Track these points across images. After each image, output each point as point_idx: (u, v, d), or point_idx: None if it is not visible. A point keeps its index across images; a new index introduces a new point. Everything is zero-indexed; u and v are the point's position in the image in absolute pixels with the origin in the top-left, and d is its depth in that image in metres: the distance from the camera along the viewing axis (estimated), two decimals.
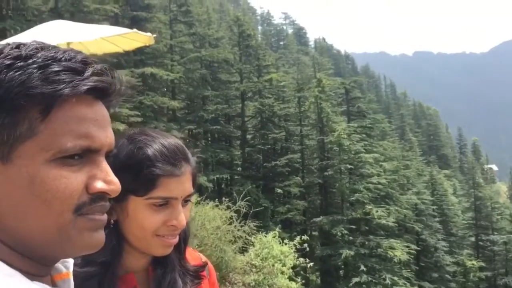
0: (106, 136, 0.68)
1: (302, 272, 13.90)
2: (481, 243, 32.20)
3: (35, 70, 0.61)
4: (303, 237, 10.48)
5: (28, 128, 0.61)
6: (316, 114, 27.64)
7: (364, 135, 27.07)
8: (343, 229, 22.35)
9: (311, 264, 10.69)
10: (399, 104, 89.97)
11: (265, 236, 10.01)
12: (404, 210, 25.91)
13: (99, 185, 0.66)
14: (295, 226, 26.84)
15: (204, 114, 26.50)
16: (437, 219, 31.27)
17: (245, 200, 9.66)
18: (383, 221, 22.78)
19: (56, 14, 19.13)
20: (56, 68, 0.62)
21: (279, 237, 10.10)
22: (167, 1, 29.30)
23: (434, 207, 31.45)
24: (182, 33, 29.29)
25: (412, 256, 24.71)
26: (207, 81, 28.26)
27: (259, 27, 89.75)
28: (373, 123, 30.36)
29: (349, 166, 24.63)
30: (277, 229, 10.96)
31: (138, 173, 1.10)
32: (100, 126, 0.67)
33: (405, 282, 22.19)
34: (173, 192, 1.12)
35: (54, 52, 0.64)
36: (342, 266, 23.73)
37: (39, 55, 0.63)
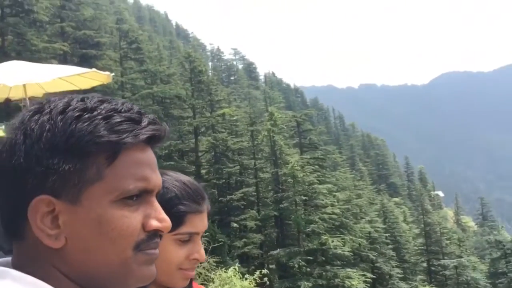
0: (157, 178, 0.75)
1: None
2: (433, 268, 33.07)
3: (101, 121, 0.68)
4: (262, 271, 10.49)
5: (95, 173, 0.68)
6: (269, 147, 28.00)
7: (316, 166, 27.58)
8: (300, 260, 22.43)
9: None
10: (348, 135, 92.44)
11: (225, 272, 9.95)
12: (359, 239, 26.35)
13: (154, 223, 0.73)
14: (252, 260, 26.63)
15: (157, 151, 26.12)
16: (390, 246, 31.93)
17: (202, 236, 9.61)
18: (339, 251, 23.05)
19: (2, 53, 18.69)
20: (118, 119, 0.69)
21: (238, 272, 10.07)
22: (117, 39, 29.27)
23: (387, 234, 32.15)
24: (133, 70, 29.24)
25: (368, 285, 24.99)
26: (160, 117, 28.07)
27: (210, 63, 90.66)
28: (324, 154, 31.02)
29: (304, 198, 24.94)
30: (236, 264, 10.90)
31: (166, 212, 1.20)
32: (152, 170, 0.75)
33: None
34: (197, 228, 1.24)
35: (115, 104, 0.72)
36: None
37: (102, 107, 0.71)
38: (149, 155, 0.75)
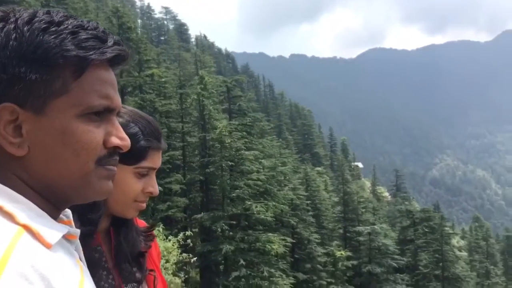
0: (119, 99, 0.78)
1: (185, 268, 13.88)
2: (348, 234, 34.85)
3: (68, 36, 0.70)
4: (186, 232, 10.51)
5: (61, 86, 0.69)
6: (198, 111, 27.70)
7: (244, 133, 27.72)
8: (223, 225, 22.70)
9: (195, 259, 10.74)
10: (276, 104, 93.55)
11: None
12: (281, 205, 27.04)
13: (116, 141, 0.76)
14: (175, 224, 26.63)
15: None
16: (310, 213, 33.15)
17: None
18: (262, 216, 23.56)
19: None
20: (84, 36, 0.71)
21: (162, 233, 10.02)
22: None
23: (308, 201, 33.29)
24: None
25: (287, 249, 25.91)
26: None
27: (139, 21, 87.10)
28: (253, 121, 31.20)
29: (230, 163, 25.08)
30: (160, 226, 10.82)
31: (132, 145, 1.20)
32: (115, 90, 0.77)
33: (281, 274, 23.20)
34: (156, 163, 1.30)
35: (81, 21, 0.74)
36: (222, 261, 24.10)
37: (68, 22, 0.73)
38: (112, 75, 0.77)
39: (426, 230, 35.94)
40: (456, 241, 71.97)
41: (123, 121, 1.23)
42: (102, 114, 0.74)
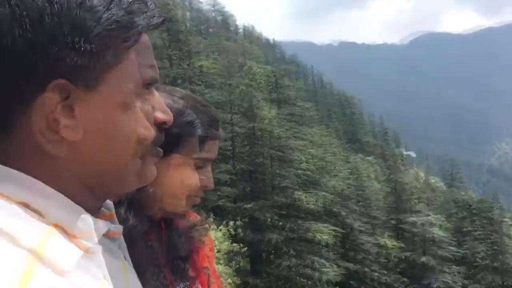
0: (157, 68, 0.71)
1: (235, 257, 14.04)
2: (401, 225, 34.09)
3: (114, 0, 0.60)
4: (236, 222, 10.59)
5: (113, 57, 0.60)
6: (247, 102, 27.80)
7: (293, 123, 27.62)
8: (273, 214, 22.79)
9: (246, 248, 10.83)
10: (325, 93, 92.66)
11: None
12: (331, 195, 26.83)
13: (161, 115, 0.69)
14: (226, 213, 26.98)
15: None
16: (361, 203, 32.68)
17: None
18: (311, 206, 23.46)
19: None
20: (131, 1, 0.62)
21: (213, 223, 10.15)
22: None
23: (358, 192, 32.83)
24: None
25: (338, 239, 25.69)
26: None
27: (188, 13, 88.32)
28: (301, 111, 31.03)
29: (279, 153, 25.07)
30: (211, 216, 10.95)
31: (186, 134, 1.14)
32: (154, 58, 0.70)
33: (332, 264, 23.06)
34: (214, 153, 1.22)
35: None
36: (272, 251, 24.21)
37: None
38: (150, 42, 0.69)
39: (484, 221, 34.56)
40: None
41: (179, 107, 1.14)
42: (149, 86, 0.68)
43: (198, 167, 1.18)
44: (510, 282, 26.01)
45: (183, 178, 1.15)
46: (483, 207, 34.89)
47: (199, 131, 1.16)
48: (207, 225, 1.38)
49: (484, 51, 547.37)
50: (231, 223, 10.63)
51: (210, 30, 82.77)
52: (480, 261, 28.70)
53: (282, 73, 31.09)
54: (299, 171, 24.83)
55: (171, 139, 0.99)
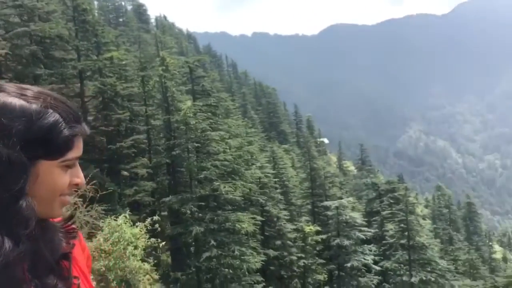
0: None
1: (154, 253, 13.79)
2: (316, 209, 35.39)
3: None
4: (154, 217, 10.37)
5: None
6: (161, 94, 27.26)
7: (209, 113, 27.50)
8: (192, 206, 22.65)
9: (163, 243, 10.65)
10: (240, 83, 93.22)
11: (115, 220, 9.68)
12: (249, 184, 27.15)
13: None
14: (143, 208, 26.41)
15: None
16: (278, 190, 33.43)
17: (90, 184, 9.19)
18: (231, 196, 23.61)
19: None
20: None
21: (129, 220, 9.85)
22: None
23: (276, 179, 33.54)
24: (6, 5, 26.18)
25: (257, 227, 26.12)
26: (39, 59, 25.73)
27: (95, 2, 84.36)
28: (217, 102, 30.97)
29: (196, 145, 24.88)
30: (127, 212, 10.63)
31: (52, 137, 1.04)
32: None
33: (252, 252, 23.42)
34: (80, 150, 1.14)
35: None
36: (193, 243, 24.12)
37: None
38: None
39: (391, 201, 36.88)
40: (420, 210, 74.34)
41: (38, 108, 1.04)
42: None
43: (67, 167, 1.12)
44: (416, 256, 27.99)
45: (54, 182, 1.09)
46: (390, 188, 37.19)
47: (65, 132, 1.08)
48: (73, 227, 1.28)
49: (388, 40, 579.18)
50: (149, 218, 10.37)
51: (120, 20, 79.78)
52: (389, 239, 30.59)
53: (196, 63, 30.71)
54: (217, 162, 24.81)
55: (36, 145, 0.95)
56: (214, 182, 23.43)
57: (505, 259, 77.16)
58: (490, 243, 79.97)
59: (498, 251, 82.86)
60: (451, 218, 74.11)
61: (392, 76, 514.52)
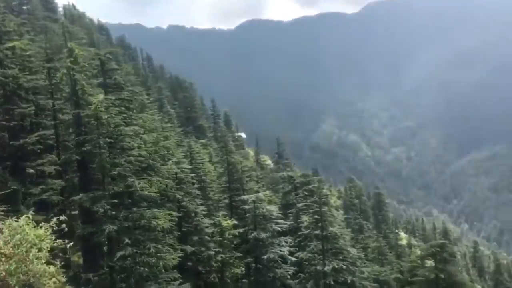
0: None
1: (61, 254, 13.05)
2: (234, 203, 35.58)
3: None
4: (60, 217, 9.77)
5: None
6: (70, 87, 25.85)
7: (122, 108, 26.53)
8: (105, 204, 21.76)
9: (71, 244, 10.07)
10: (156, 77, 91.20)
11: (16, 221, 9.00)
12: (166, 180, 26.64)
13: None
14: (52, 207, 24.98)
15: None
16: (196, 185, 33.18)
17: None
18: (146, 192, 22.99)
19: None
20: None
21: (33, 220, 9.20)
22: None
23: (193, 174, 33.26)
24: None
25: (174, 223, 25.71)
26: None
27: None
28: (131, 96, 30.01)
29: (109, 140, 23.89)
30: (31, 212, 9.92)
31: None
32: None
33: (169, 249, 23.01)
34: None
35: None
36: (106, 242, 23.21)
37: None
38: None
39: (306, 193, 38.02)
40: (333, 201, 77.49)
41: None
42: None
43: None
44: (329, 246, 29.09)
45: None
46: (305, 181, 38.31)
47: None
48: None
49: (303, 37, 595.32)
50: (55, 218, 9.76)
51: (24, 8, 74.57)
52: (304, 230, 31.50)
53: (108, 56, 29.46)
54: (132, 158, 24.00)
55: None
56: (128, 179, 22.65)
57: (409, 245, 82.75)
58: (397, 231, 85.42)
59: (403, 238, 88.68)
60: (362, 208, 78.14)
61: (307, 72, 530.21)
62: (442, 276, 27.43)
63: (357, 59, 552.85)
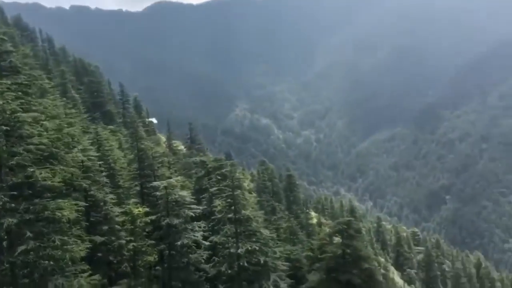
0: None
1: None
2: (145, 190, 34.79)
3: None
4: None
5: None
6: None
7: (20, 93, 24.72)
8: (2, 196, 20.28)
9: None
10: (58, 60, 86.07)
11: None
12: (71, 169, 25.35)
13: None
14: None
15: None
16: (104, 173, 32.00)
17: None
18: (49, 183, 21.75)
19: None
20: None
21: None
22: None
23: (101, 162, 32.01)
24: None
25: (81, 213, 24.65)
26: None
27: None
28: (30, 80, 28.07)
29: (5, 128, 22.21)
30: None
31: None
32: None
33: (76, 240, 22.04)
34: None
35: None
36: (5, 237, 21.71)
37: None
38: None
39: (219, 178, 38.16)
40: (246, 184, 78.63)
41: None
42: None
43: None
44: (243, 229, 29.51)
45: None
46: (217, 165, 38.42)
47: None
48: None
49: (216, 20, 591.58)
50: None
51: None
52: (217, 214, 31.63)
53: (2, 37, 27.24)
54: (32, 146, 22.51)
55: None
56: (28, 169, 21.26)
57: (319, 224, 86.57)
58: (307, 211, 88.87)
59: (314, 217, 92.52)
60: (274, 190, 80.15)
61: (219, 56, 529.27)
62: (349, 251, 29.02)
63: (268, 45, 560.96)
